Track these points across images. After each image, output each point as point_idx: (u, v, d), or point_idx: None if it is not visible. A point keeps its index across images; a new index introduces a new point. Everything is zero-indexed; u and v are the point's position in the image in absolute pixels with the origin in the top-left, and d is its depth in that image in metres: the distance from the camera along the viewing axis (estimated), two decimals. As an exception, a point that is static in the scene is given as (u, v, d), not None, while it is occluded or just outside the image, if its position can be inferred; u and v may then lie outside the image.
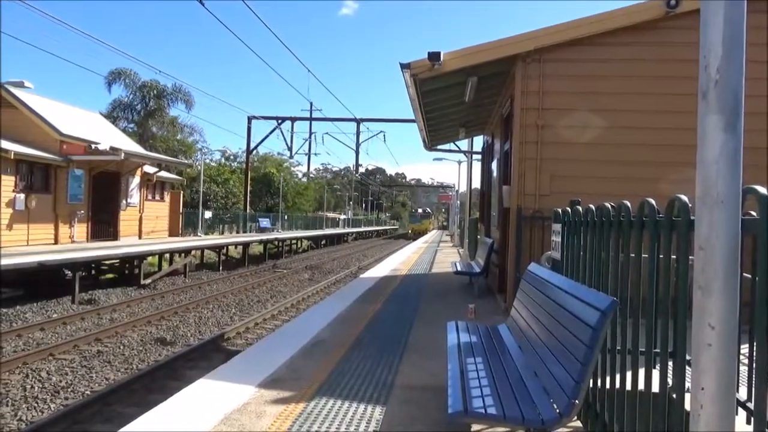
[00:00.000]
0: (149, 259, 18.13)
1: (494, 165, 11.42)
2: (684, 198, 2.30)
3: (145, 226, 23.10)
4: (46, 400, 7.07)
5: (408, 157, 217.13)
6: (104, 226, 20.56)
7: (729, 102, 1.48)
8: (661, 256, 2.48)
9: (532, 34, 7.07)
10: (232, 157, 55.36)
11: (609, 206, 3.11)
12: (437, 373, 4.53)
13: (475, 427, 3.46)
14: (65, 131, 18.61)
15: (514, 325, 3.98)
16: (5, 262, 11.87)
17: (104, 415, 6.62)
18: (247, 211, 38.35)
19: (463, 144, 20.04)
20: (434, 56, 6.98)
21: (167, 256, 19.55)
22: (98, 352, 9.34)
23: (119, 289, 15.87)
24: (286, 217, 46.32)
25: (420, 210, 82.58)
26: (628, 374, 2.71)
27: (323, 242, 42.67)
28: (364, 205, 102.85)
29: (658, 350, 2.50)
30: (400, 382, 4.39)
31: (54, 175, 18.09)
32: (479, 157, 17.86)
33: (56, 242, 17.96)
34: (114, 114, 39.53)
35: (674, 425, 2.27)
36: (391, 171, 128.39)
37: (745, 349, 2.28)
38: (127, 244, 19.34)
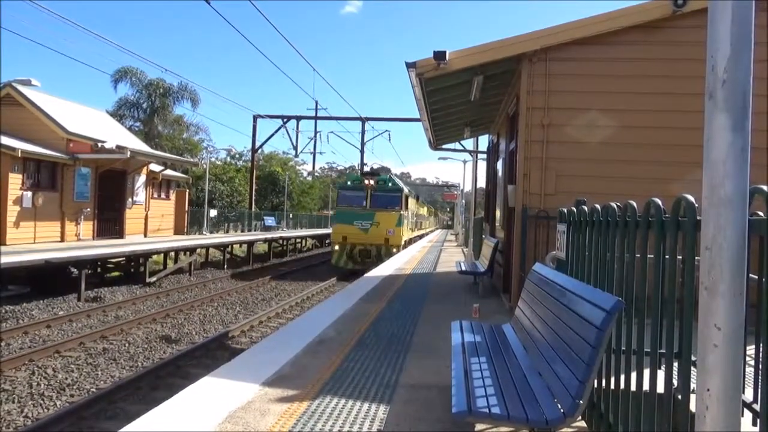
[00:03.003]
0: (154, 257, 18.20)
1: (499, 164, 11.39)
2: (690, 198, 2.29)
3: (151, 225, 23.17)
4: (52, 397, 7.11)
5: (413, 156, 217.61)
6: (110, 224, 20.64)
7: (736, 101, 1.46)
8: (667, 256, 2.46)
9: (539, 33, 7.04)
10: (237, 156, 55.46)
11: (615, 206, 3.10)
12: (441, 372, 4.52)
13: (478, 426, 3.46)
14: (72, 129, 18.69)
15: (518, 325, 3.97)
16: (12, 259, 11.94)
17: (109, 412, 6.65)
18: (252, 209, 38.45)
19: (469, 143, 19.94)
20: (440, 55, 6.96)
21: (172, 254, 19.61)
22: (104, 350, 9.38)
23: (125, 287, 15.94)
24: (291, 216, 46.37)
25: (368, 181, 24.23)
26: (633, 375, 2.70)
27: (327, 241, 42.64)
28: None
29: (663, 351, 2.50)
30: (404, 381, 4.39)
31: (61, 173, 18.17)
32: (484, 156, 17.84)
33: (62, 240, 18.04)
34: (120, 112, 39.60)
35: (679, 426, 2.26)
36: (396, 170, 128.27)
37: (751, 350, 2.27)
38: (132, 242, 19.42)
